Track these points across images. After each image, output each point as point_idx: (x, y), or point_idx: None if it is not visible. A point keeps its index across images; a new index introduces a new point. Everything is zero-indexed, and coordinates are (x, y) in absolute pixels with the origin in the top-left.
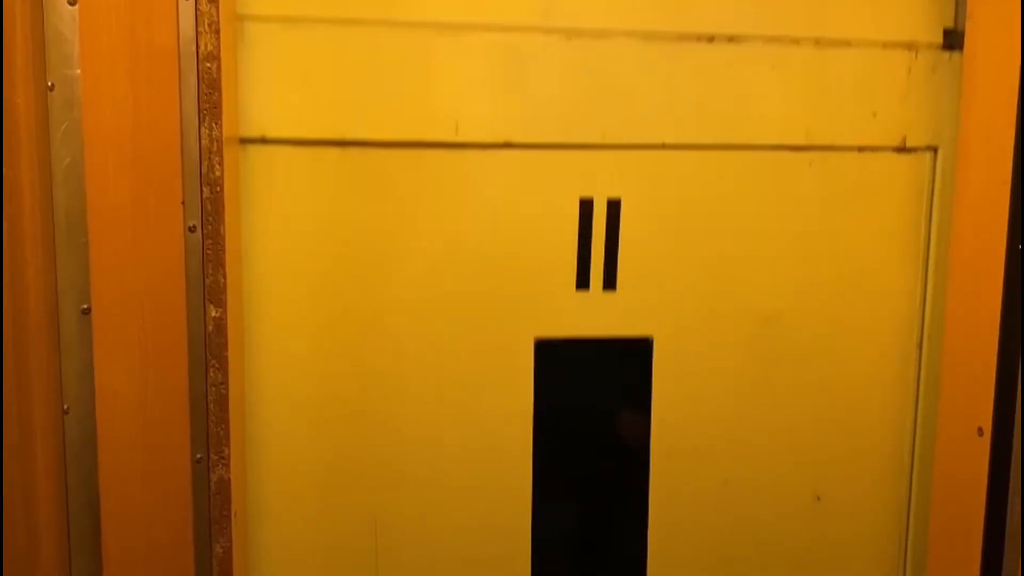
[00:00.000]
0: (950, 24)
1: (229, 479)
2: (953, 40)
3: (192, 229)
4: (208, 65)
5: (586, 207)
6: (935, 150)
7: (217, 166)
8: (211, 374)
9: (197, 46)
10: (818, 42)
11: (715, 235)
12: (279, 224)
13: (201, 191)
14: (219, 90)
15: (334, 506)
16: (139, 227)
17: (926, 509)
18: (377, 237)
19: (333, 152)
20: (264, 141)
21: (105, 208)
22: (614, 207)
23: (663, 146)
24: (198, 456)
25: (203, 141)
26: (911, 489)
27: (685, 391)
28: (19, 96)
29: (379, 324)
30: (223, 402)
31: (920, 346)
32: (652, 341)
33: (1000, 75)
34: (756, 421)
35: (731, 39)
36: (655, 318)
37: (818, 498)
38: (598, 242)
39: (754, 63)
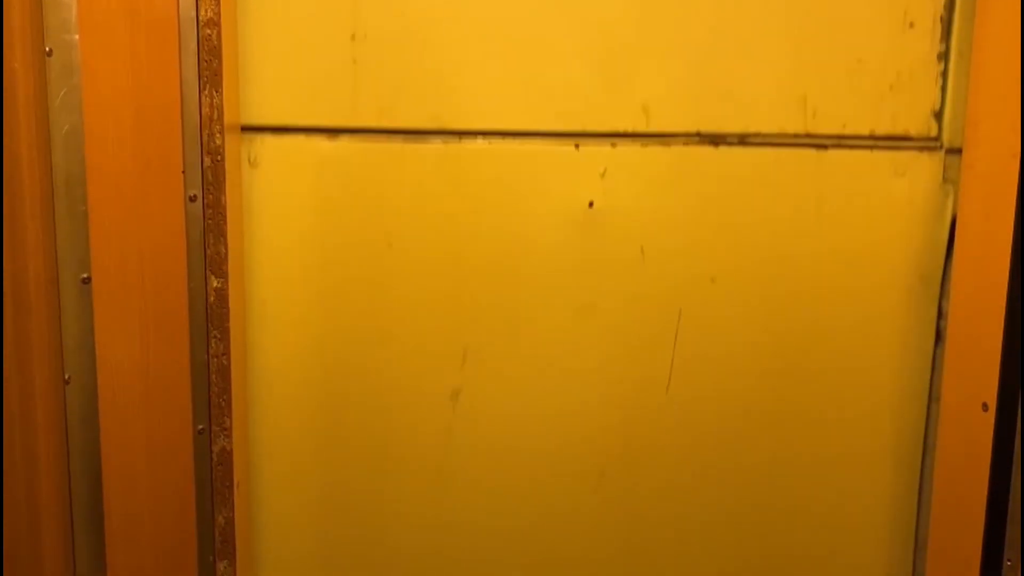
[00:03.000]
0: None
1: (231, 450)
2: None
3: (193, 199)
4: (208, 32)
5: None
6: None
7: (218, 135)
8: (213, 345)
9: (197, 12)
10: None
11: None
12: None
13: (202, 160)
14: (219, 57)
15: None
16: (139, 196)
17: (928, 485)
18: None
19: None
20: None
21: (105, 176)
22: None
23: None
24: (200, 427)
25: (203, 109)
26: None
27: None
28: (17, 61)
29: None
30: (225, 373)
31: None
32: None
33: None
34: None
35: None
36: None
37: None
38: None
39: None
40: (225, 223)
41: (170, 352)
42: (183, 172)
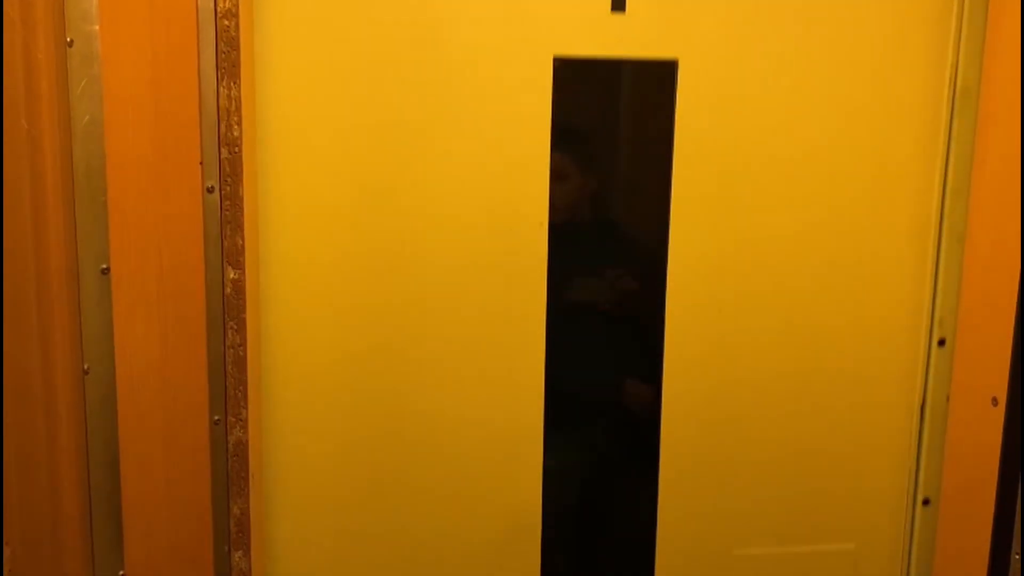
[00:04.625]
0: None
1: (247, 441)
2: None
3: (211, 190)
4: (227, 23)
5: None
6: None
7: (236, 126)
8: (229, 336)
9: (215, 3)
10: None
11: None
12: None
13: (219, 151)
14: (237, 49)
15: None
16: (158, 187)
17: (937, 479)
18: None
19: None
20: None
21: (124, 167)
22: None
23: None
24: (216, 417)
25: (221, 100)
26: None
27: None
28: (40, 51)
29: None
30: (241, 364)
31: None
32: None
33: None
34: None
35: None
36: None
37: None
38: None
39: None
40: (242, 214)
41: (187, 343)
42: (201, 163)
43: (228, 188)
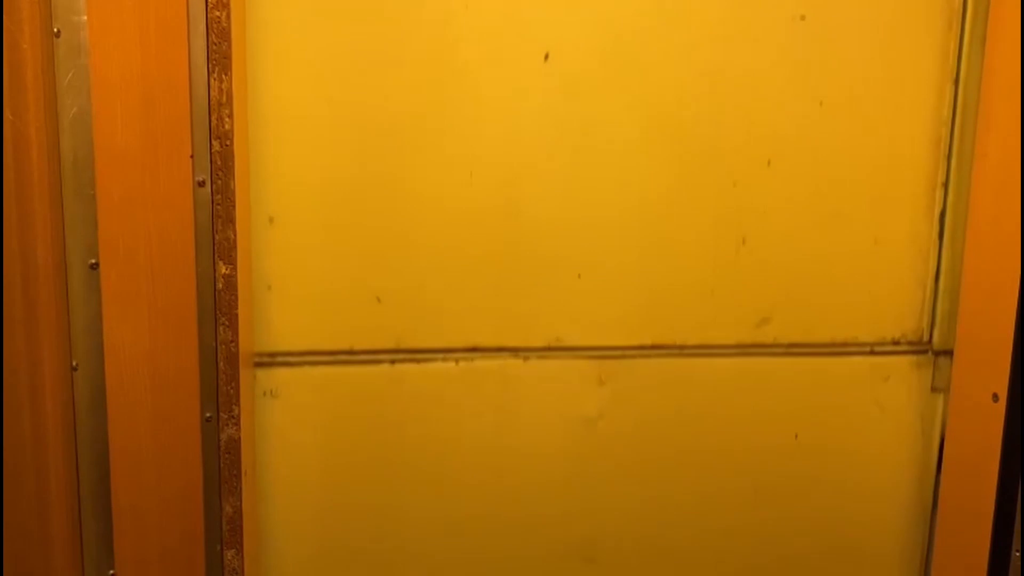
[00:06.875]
0: None
1: (239, 438)
2: None
3: (201, 184)
4: (218, 14)
5: None
6: None
7: (227, 119)
8: (221, 332)
9: None
10: None
11: None
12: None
13: (211, 145)
14: (229, 40)
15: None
16: (148, 181)
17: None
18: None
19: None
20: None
21: (113, 160)
22: None
23: None
24: (208, 415)
25: (212, 93)
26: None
27: None
28: (25, 42)
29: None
30: (233, 360)
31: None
32: None
33: None
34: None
35: None
36: None
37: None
38: None
39: None
40: (234, 209)
41: (178, 339)
42: (192, 157)
43: (219, 182)
